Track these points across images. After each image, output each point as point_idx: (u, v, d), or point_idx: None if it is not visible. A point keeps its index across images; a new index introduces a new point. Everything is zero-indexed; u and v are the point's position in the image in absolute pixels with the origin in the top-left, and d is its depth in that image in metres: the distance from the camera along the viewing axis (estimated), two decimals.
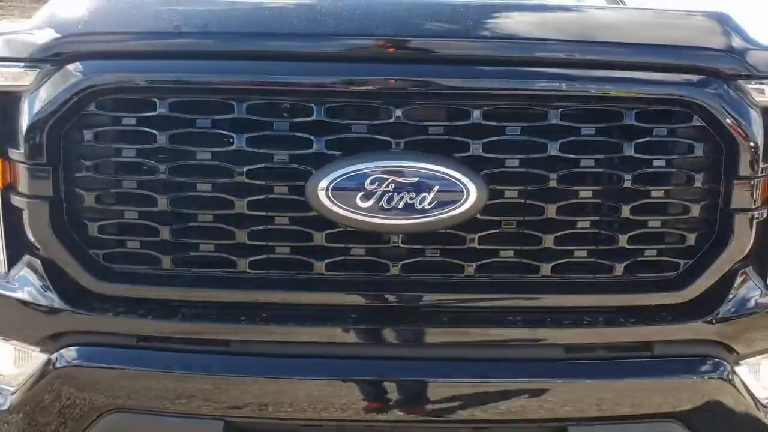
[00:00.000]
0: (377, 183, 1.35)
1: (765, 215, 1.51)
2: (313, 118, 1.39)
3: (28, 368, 1.51)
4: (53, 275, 1.47)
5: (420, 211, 1.37)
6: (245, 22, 1.46)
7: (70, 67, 1.40)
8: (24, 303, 1.49)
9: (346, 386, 1.42)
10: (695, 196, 1.46)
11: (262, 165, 1.40)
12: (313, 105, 1.38)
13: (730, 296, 1.50)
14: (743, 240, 1.47)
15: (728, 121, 1.40)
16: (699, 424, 1.48)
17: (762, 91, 1.45)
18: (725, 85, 1.43)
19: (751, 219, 1.47)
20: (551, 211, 1.42)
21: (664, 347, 1.49)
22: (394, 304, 1.46)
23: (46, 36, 1.43)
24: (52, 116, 1.39)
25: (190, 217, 1.44)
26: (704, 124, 1.41)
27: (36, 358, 1.50)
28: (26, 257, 1.50)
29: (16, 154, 1.43)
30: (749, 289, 1.52)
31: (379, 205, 1.36)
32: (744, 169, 1.43)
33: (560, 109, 1.39)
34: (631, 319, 1.48)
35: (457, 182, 1.36)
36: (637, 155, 1.41)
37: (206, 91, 1.40)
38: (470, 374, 1.44)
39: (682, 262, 1.48)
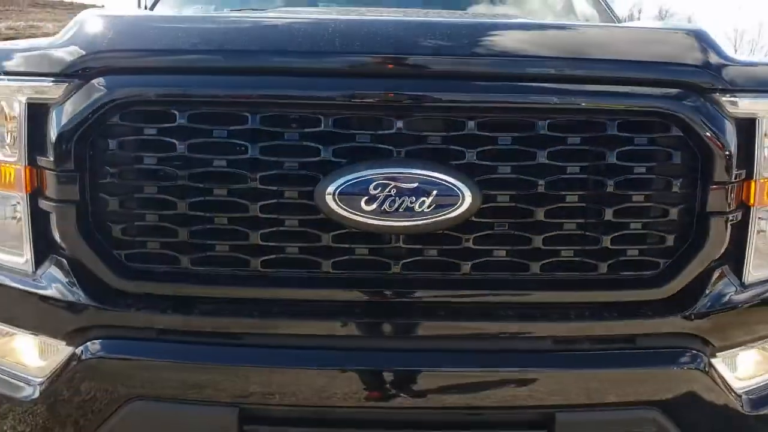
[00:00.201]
0: (380, 188, 1.42)
1: (739, 218, 1.57)
2: (321, 128, 1.45)
3: (54, 361, 1.57)
4: (79, 274, 1.53)
5: (419, 214, 1.43)
6: (258, 40, 1.53)
7: (96, 81, 1.46)
8: (51, 300, 1.55)
9: (350, 375, 1.48)
10: (673, 201, 1.52)
11: (274, 172, 1.46)
12: (321, 117, 1.44)
13: (707, 293, 1.57)
14: (718, 241, 1.54)
15: (704, 131, 1.47)
16: (678, 411, 1.54)
17: (735, 104, 1.53)
18: (701, 98, 1.50)
19: (726, 221, 1.54)
20: (540, 214, 1.48)
21: (646, 340, 1.55)
22: (395, 299, 1.52)
23: (73, 53, 1.51)
24: (79, 127, 1.46)
25: (206, 220, 1.49)
26: (682, 134, 1.48)
27: (62, 351, 1.56)
28: (53, 257, 1.56)
29: (44, 161, 1.51)
30: (725, 287, 1.59)
31: (382, 208, 1.42)
32: (719, 176, 1.50)
33: (548, 120, 1.46)
34: (615, 314, 1.54)
35: (453, 187, 1.42)
36: (618, 163, 1.47)
37: (222, 104, 1.46)
38: (465, 364, 1.50)
39: (661, 261, 1.54)
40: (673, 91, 1.50)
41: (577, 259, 1.52)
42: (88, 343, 1.51)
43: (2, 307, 1.65)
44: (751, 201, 1.58)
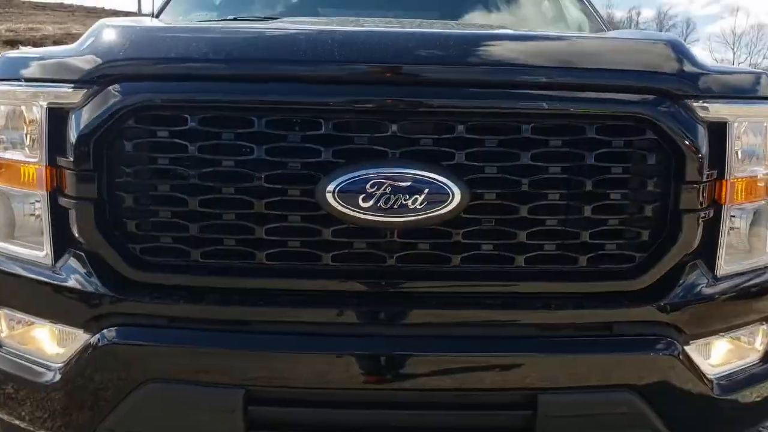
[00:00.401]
0: (376, 186, 1.50)
1: (711, 215, 1.67)
2: (322, 131, 1.54)
3: (72, 347, 1.66)
4: (96, 266, 1.62)
5: (413, 211, 1.51)
6: (263, 50, 1.64)
7: (112, 88, 1.56)
8: (70, 290, 1.64)
9: (347, 359, 1.57)
10: (648, 199, 1.61)
11: (278, 171, 1.54)
12: (321, 120, 1.53)
13: (680, 285, 1.66)
14: (690, 236, 1.64)
15: (676, 135, 1.57)
16: (653, 394, 1.63)
17: (706, 109, 1.63)
18: (674, 104, 1.60)
19: (698, 218, 1.64)
20: (524, 211, 1.57)
21: (623, 328, 1.64)
22: (390, 290, 1.61)
23: (91, 62, 1.61)
24: (97, 130, 1.55)
25: (215, 216, 1.57)
26: (656, 137, 1.58)
27: (79, 338, 1.65)
28: (71, 251, 1.66)
29: (64, 161, 1.60)
30: (698, 279, 1.69)
31: (378, 205, 1.50)
32: (690, 176, 1.60)
33: (531, 124, 1.55)
34: (594, 303, 1.63)
35: (444, 186, 1.51)
36: (597, 164, 1.57)
37: (230, 109, 1.55)
38: (455, 349, 1.59)
39: (637, 255, 1.63)
40: (648, 97, 1.59)
41: (558, 252, 1.61)
42: (105, 331, 1.60)
43: (22, 297, 1.75)
44: (723, 199, 1.68)
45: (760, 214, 1.82)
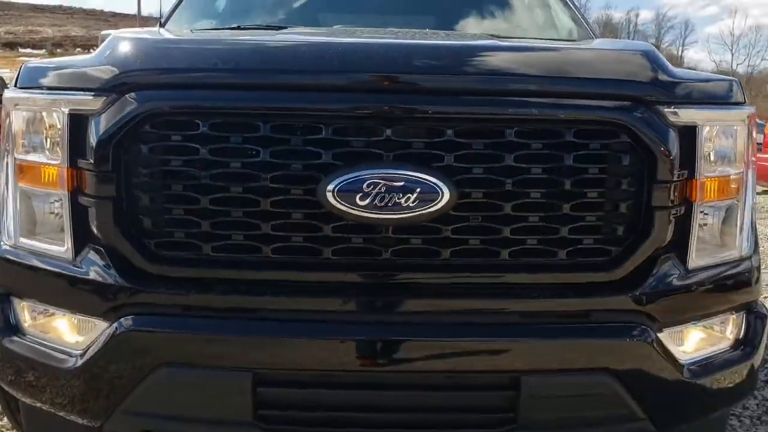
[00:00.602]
0: (372, 186, 1.59)
1: (682, 212, 1.77)
2: (322, 135, 1.63)
3: (91, 336, 1.75)
4: (114, 260, 1.70)
5: (406, 208, 1.60)
6: (268, 61, 1.74)
7: (129, 96, 1.65)
8: (90, 283, 1.73)
9: (347, 344, 1.67)
10: (623, 197, 1.71)
11: (282, 172, 1.63)
12: (322, 126, 1.63)
13: (653, 276, 1.75)
14: (662, 232, 1.73)
15: (649, 138, 1.66)
16: (628, 377, 1.72)
17: (676, 114, 1.73)
18: (647, 110, 1.69)
19: (669, 215, 1.73)
20: (508, 208, 1.66)
21: (600, 315, 1.73)
22: (385, 281, 1.70)
23: (109, 72, 1.71)
24: (116, 134, 1.64)
25: (225, 213, 1.66)
26: (630, 140, 1.67)
27: (98, 327, 1.74)
28: (90, 246, 1.74)
29: (85, 163, 1.69)
30: (670, 271, 1.78)
31: (374, 203, 1.59)
32: (662, 176, 1.69)
33: (515, 129, 1.65)
34: (573, 293, 1.73)
35: (434, 186, 1.60)
36: (575, 165, 1.66)
37: (238, 115, 1.64)
38: (446, 335, 1.68)
39: (613, 249, 1.72)
40: (623, 103, 1.70)
41: (540, 246, 1.70)
42: (122, 319, 1.69)
43: (44, 289, 1.85)
44: (694, 197, 1.79)
45: (732, 211, 1.92)
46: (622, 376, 1.72)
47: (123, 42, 1.81)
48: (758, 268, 2.03)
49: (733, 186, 1.90)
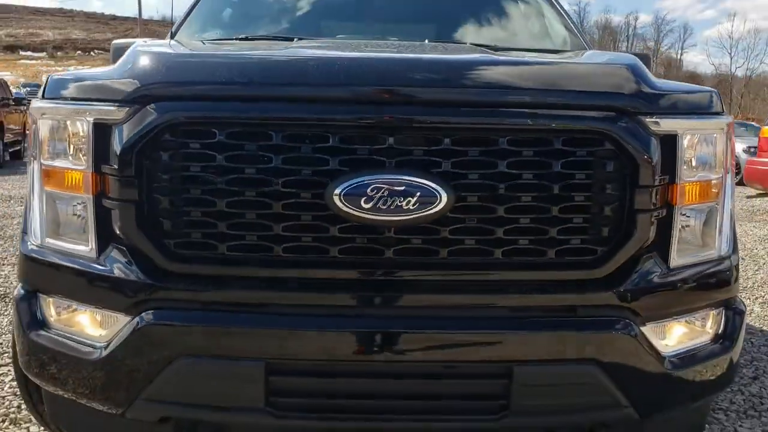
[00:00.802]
0: (376, 190, 1.69)
1: (664, 214, 1.87)
2: (330, 144, 1.72)
3: (113, 329, 1.86)
4: (136, 258, 1.80)
5: (407, 211, 1.70)
6: (280, 75, 1.85)
7: (150, 107, 1.75)
8: (113, 280, 1.83)
9: (352, 336, 1.77)
10: (607, 200, 1.81)
11: (293, 177, 1.72)
12: (329, 135, 1.73)
13: (636, 274, 1.85)
14: (644, 232, 1.83)
15: (631, 146, 1.77)
16: (613, 368, 1.82)
17: (658, 123, 1.84)
18: (630, 120, 1.80)
19: (651, 217, 1.83)
20: (501, 211, 1.76)
21: (586, 310, 1.84)
22: (387, 278, 1.79)
23: (131, 85, 1.81)
24: (138, 142, 1.74)
25: (239, 215, 1.75)
26: (614, 148, 1.78)
27: (120, 321, 1.84)
28: (113, 245, 1.84)
29: (108, 169, 1.79)
30: (651, 269, 1.88)
31: (377, 206, 1.69)
32: (644, 181, 1.80)
33: (507, 137, 1.75)
34: (561, 289, 1.82)
35: (433, 190, 1.70)
36: (563, 171, 1.76)
37: (252, 125, 1.74)
38: (443, 327, 1.78)
39: (598, 248, 1.82)
40: (608, 114, 1.80)
41: (531, 246, 1.80)
42: (143, 314, 1.79)
43: (69, 286, 1.95)
44: (674, 201, 1.89)
45: (713, 213, 2.02)
46: (607, 367, 1.82)
47: (144, 56, 1.92)
48: (737, 267, 2.12)
49: (712, 190, 2.01)
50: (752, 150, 13.69)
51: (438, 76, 1.86)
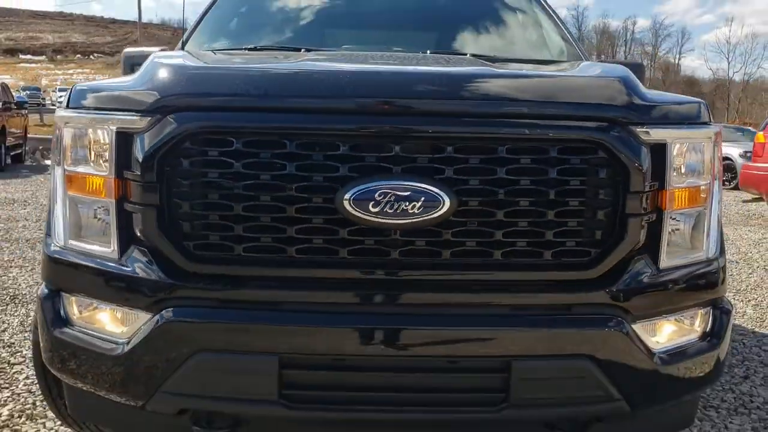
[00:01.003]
0: (383, 195, 1.77)
1: (654, 218, 1.96)
2: (340, 152, 1.81)
3: (134, 326, 1.94)
4: (157, 259, 1.89)
5: (411, 215, 1.78)
6: (293, 87, 1.95)
7: (170, 117, 1.84)
8: (135, 279, 1.92)
9: (359, 332, 1.85)
10: (600, 205, 1.90)
11: (305, 183, 1.81)
12: (339, 143, 1.81)
13: (627, 275, 1.94)
14: (635, 236, 1.92)
15: (623, 154, 1.86)
16: (605, 362, 1.91)
17: (648, 133, 1.93)
18: (622, 130, 1.89)
19: (641, 221, 1.92)
20: (500, 215, 1.84)
21: (580, 308, 1.92)
22: (394, 277, 1.87)
23: (151, 96, 1.91)
24: (160, 150, 1.83)
25: (255, 219, 1.83)
26: (606, 156, 1.87)
27: (141, 318, 1.93)
28: (134, 247, 1.93)
29: (131, 175, 1.88)
30: (643, 271, 1.97)
31: (384, 210, 1.77)
32: (635, 187, 1.89)
33: (506, 146, 1.84)
34: (557, 289, 1.91)
35: (436, 195, 1.78)
36: (558, 177, 1.85)
37: (267, 134, 1.83)
38: (446, 324, 1.87)
39: (592, 250, 1.91)
40: (601, 124, 1.90)
41: (528, 248, 1.89)
42: (163, 311, 1.87)
43: (92, 285, 2.04)
44: (664, 206, 1.99)
45: (701, 217, 2.12)
46: (600, 362, 1.91)
47: (163, 68, 2.03)
48: (724, 269, 2.22)
49: (701, 196, 2.11)
50: (748, 155, 13.81)
51: (441, 88, 1.96)
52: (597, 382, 1.93)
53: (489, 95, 2.00)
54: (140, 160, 1.88)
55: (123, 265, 1.96)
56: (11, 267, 6.14)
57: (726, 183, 17.67)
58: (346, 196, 1.80)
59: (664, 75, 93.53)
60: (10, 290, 5.37)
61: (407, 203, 1.79)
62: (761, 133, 11.16)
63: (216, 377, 1.91)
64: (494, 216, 1.87)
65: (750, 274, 6.91)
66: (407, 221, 1.82)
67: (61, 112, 2.13)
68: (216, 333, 1.90)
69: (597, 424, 2.06)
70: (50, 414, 3.08)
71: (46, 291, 2.16)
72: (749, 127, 24.31)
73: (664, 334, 2.10)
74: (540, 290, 1.94)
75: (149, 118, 1.89)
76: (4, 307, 4.89)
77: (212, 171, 1.86)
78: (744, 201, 14.08)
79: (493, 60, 2.78)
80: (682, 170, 2.07)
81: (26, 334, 4.26)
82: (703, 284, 2.15)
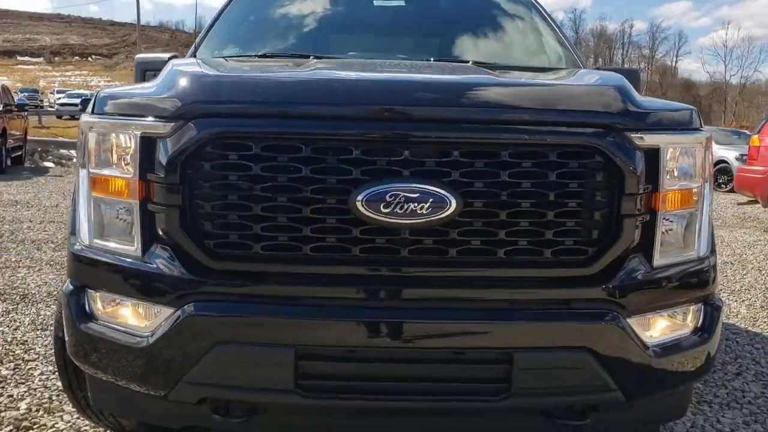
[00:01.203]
0: (393, 197, 1.87)
1: (648, 219, 2.06)
2: (353, 156, 1.91)
3: (157, 320, 2.04)
4: (179, 257, 1.98)
5: (420, 215, 1.88)
6: (308, 94, 2.06)
7: (192, 122, 1.94)
8: (158, 276, 2.02)
9: (370, 325, 1.95)
10: (597, 206, 2.00)
11: (320, 185, 1.90)
12: (352, 148, 1.91)
13: (622, 272, 2.04)
14: (630, 236, 2.02)
15: (618, 159, 1.96)
16: (601, 354, 2.01)
17: (642, 138, 2.04)
18: (617, 135, 1.99)
19: (636, 221, 2.03)
20: (503, 215, 1.94)
21: (578, 303, 2.02)
22: (403, 274, 1.97)
23: (174, 103, 2.01)
24: (183, 153, 1.93)
25: (272, 219, 1.92)
26: (603, 161, 1.98)
27: (164, 312, 2.02)
28: (156, 245, 2.03)
29: (154, 177, 1.98)
30: (637, 268, 2.07)
31: (395, 211, 1.87)
32: (630, 189, 1.99)
33: (509, 151, 1.94)
34: (556, 285, 2.01)
35: (443, 197, 1.88)
36: (558, 180, 1.95)
37: (284, 139, 1.92)
38: (452, 318, 1.97)
39: (589, 249, 2.01)
40: (597, 130, 2.00)
41: (529, 247, 1.99)
42: (185, 306, 1.97)
43: (116, 282, 2.13)
44: (657, 207, 2.09)
45: (693, 218, 2.23)
46: (597, 354, 2.01)
47: (184, 77, 2.14)
48: (714, 267, 2.33)
49: (692, 198, 2.22)
50: (744, 158, 13.92)
51: (448, 97, 2.08)
52: (594, 372, 2.03)
53: (492, 103, 2.11)
54: (164, 163, 1.98)
55: (146, 263, 2.06)
56: (19, 267, 6.24)
57: (722, 186, 17.82)
58: (359, 198, 1.89)
59: (661, 78, 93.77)
60: (20, 290, 5.47)
61: (416, 204, 1.89)
62: (756, 136, 11.29)
63: (235, 368, 2.01)
64: (497, 216, 1.97)
65: (744, 275, 7.04)
66: (416, 221, 1.92)
67: (86, 118, 2.23)
68: (235, 326, 1.99)
69: (594, 413, 2.16)
70: (66, 408, 3.20)
71: (71, 287, 2.25)
72: (745, 131, 24.43)
73: (657, 328, 2.20)
74: (540, 286, 2.03)
75: (172, 124, 1.99)
76: (15, 306, 5.00)
77: (232, 174, 1.96)
78: (739, 204, 14.23)
79: (494, 67, 2.90)
80: (675, 173, 2.17)
81: (38, 332, 4.38)
82: (694, 281, 2.26)
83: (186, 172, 1.97)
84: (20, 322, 4.60)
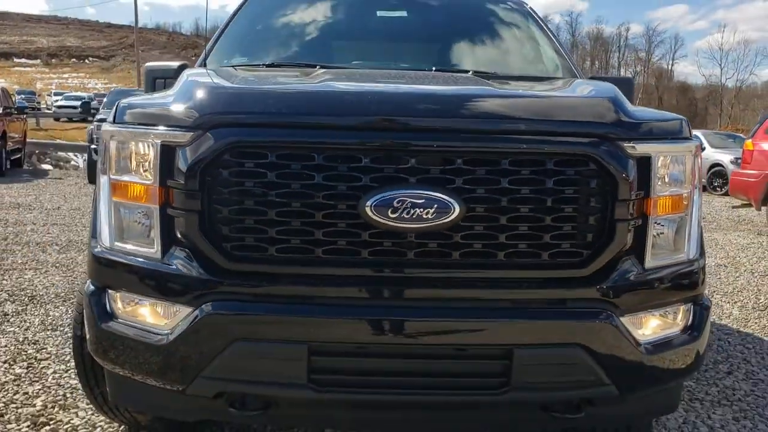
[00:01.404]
0: (400, 203, 1.96)
1: (640, 223, 2.18)
2: (362, 164, 2.00)
3: (176, 319, 2.14)
4: (198, 258, 2.09)
5: (425, 220, 1.98)
6: (321, 106, 2.17)
7: (211, 132, 2.05)
8: (178, 276, 2.12)
9: (378, 323, 2.05)
10: (591, 211, 2.11)
11: (331, 192, 1.99)
12: (362, 156, 2.00)
13: (615, 274, 2.15)
14: (623, 239, 2.14)
15: (611, 167, 2.08)
16: (596, 351, 2.12)
17: (634, 147, 2.15)
18: (611, 145, 2.11)
19: (628, 226, 2.15)
20: (503, 220, 2.04)
21: (574, 302, 2.13)
22: (409, 275, 2.07)
23: (195, 113, 2.12)
24: (202, 161, 2.03)
25: (286, 223, 2.02)
26: (597, 168, 2.09)
27: (182, 311, 2.12)
28: (175, 248, 2.13)
29: (174, 183, 2.09)
30: (629, 269, 2.18)
31: (401, 216, 1.96)
32: (622, 195, 2.10)
33: (509, 159, 2.05)
34: (553, 285, 2.12)
35: (447, 202, 1.98)
36: (554, 187, 2.05)
37: (298, 148, 2.03)
38: (455, 316, 2.08)
39: (584, 251, 2.12)
40: (592, 140, 2.12)
41: (528, 249, 2.09)
42: (203, 305, 2.06)
43: (136, 282, 2.24)
44: (649, 212, 2.21)
45: (683, 222, 2.36)
46: (591, 350, 2.12)
47: (201, 88, 2.27)
48: (704, 269, 2.46)
49: (682, 203, 2.34)
50: (739, 161, 14.06)
51: (451, 108, 2.20)
52: (589, 368, 2.14)
53: (493, 114, 2.24)
54: (184, 170, 2.09)
55: (166, 264, 2.17)
56: (26, 269, 6.35)
57: (717, 189, 17.98)
58: (368, 203, 1.99)
59: (658, 81, 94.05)
60: (28, 291, 5.58)
61: (422, 209, 1.99)
62: (750, 140, 11.43)
63: (251, 363, 2.12)
64: (498, 221, 2.07)
65: (737, 277, 7.17)
66: (421, 225, 2.02)
67: (107, 127, 2.35)
68: (251, 324, 2.10)
69: (589, 406, 2.28)
70: (81, 404, 3.31)
71: (92, 288, 2.37)
72: (741, 134, 24.57)
73: (649, 326, 2.32)
74: (538, 286, 2.14)
75: (192, 133, 2.10)
76: (24, 307, 5.11)
77: (248, 180, 2.05)
78: (733, 207, 14.38)
79: (493, 77, 3.03)
80: (666, 180, 2.29)
81: (48, 332, 4.49)
82: (684, 282, 2.38)
83: (204, 178, 2.07)
84: (30, 323, 4.71)
